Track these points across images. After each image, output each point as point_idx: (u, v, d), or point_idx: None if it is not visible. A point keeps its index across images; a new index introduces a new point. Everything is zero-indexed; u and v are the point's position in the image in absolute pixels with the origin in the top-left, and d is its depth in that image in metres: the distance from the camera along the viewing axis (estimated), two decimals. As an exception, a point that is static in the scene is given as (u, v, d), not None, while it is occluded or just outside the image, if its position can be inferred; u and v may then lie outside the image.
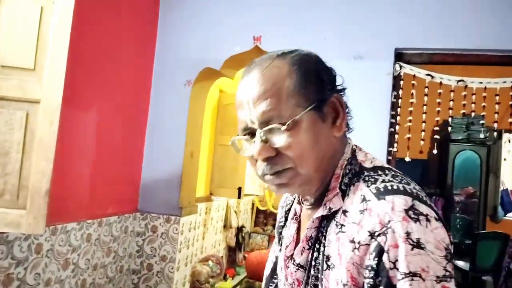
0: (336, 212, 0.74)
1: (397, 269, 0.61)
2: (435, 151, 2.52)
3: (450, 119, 2.58)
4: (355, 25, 2.68)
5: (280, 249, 0.90)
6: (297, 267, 0.78)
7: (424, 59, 2.58)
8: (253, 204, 5.94)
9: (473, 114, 3.80)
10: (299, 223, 0.86)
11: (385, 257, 0.62)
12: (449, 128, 5.11)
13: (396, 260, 0.61)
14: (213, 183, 4.40)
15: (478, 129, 4.85)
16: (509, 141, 4.78)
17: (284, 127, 0.70)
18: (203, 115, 3.26)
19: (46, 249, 2.18)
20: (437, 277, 0.60)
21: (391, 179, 0.71)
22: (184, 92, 2.95)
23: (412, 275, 0.60)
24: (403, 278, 0.60)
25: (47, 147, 1.67)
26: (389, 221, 0.64)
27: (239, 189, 4.34)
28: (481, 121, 4.68)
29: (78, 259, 2.44)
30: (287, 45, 2.74)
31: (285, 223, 0.92)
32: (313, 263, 0.75)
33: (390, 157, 2.57)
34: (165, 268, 2.96)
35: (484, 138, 4.77)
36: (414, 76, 2.55)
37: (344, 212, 0.72)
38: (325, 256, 0.72)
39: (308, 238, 0.77)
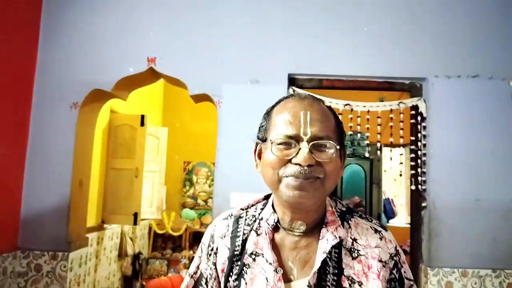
0: (341, 241, 0.91)
1: (407, 278, 0.93)
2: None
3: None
4: (251, 51, 2.74)
5: (237, 279, 0.92)
6: (308, 286, 0.87)
7: (314, 84, 2.73)
8: (150, 228, 5.69)
9: (357, 132, 4.14)
10: (274, 248, 0.93)
11: (402, 271, 0.92)
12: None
13: (405, 272, 0.93)
14: (106, 210, 4.12)
15: (362, 144, 5.29)
16: (390, 156, 5.27)
17: (337, 146, 0.87)
18: (92, 139, 3.03)
19: None
20: None
21: (371, 218, 0.99)
22: (70, 116, 2.71)
23: (413, 281, 0.95)
24: (410, 283, 0.93)
25: None
26: (395, 246, 0.93)
27: (135, 215, 4.13)
28: (364, 138, 5.11)
29: None
30: (184, 67, 2.71)
31: (241, 252, 0.94)
32: (323, 283, 0.87)
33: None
34: (52, 310, 2.66)
35: (367, 152, 5.19)
36: (306, 99, 2.67)
37: (354, 240, 0.92)
38: (344, 277, 0.88)
39: (322, 261, 0.88)
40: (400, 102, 2.69)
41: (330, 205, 0.96)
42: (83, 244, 2.94)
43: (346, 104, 2.68)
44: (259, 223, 0.97)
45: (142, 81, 2.90)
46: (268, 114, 0.94)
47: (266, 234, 0.93)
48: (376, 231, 0.94)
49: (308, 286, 0.86)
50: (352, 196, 5.92)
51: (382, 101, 2.84)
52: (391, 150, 5.22)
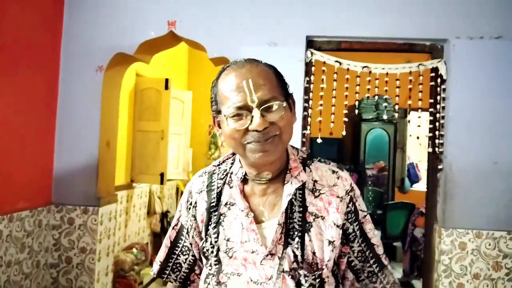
0: (304, 183, 1.03)
1: (361, 210, 1.05)
2: (343, 132, 2.69)
3: (357, 102, 2.75)
4: (269, 13, 2.74)
5: (215, 226, 1.04)
6: (279, 226, 0.98)
7: (333, 46, 2.72)
8: (177, 189, 5.92)
9: (381, 96, 4.10)
10: (245, 197, 1.04)
11: (356, 204, 1.04)
12: (360, 109, 5.44)
13: (359, 205, 1.05)
14: (134, 170, 4.32)
15: (386, 108, 5.23)
16: (416, 120, 5.20)
17: (284, 104, 0.94)
18: (118, 102, 3.16)
19: None
20: None
21: (329, 161, 1.10)
22: (96, 79, 2.83)
23: (366, 212, 1.07)
24: (364, 213, 1.06)
25: None
26: (350, 183, 1.05)
27: (162, 175, 4.31)
28: (389, 101, 5.04)
29: (-12, 257, 2.30)
30: (203, 30, 2.75)
31: (217, 203, 1.06)
32: (290, 221, 0.99)
33: (304, 139, 2.71)
34: (85, 260, 2.88)
35: (391, 116, 5.15)
36: (324, 62, 2.69)
37: (315, 181, 1.04)
38: (308, 213, 1.00)
39: (288, 202, 1.00)
40: (420, 64, 2.66)
41: (292, 153, 1.06)
42: (112, 200, 3.12)
43: (365, 67, 2.67)
44: (230, 177, 1.08)
45: (164, 45, 2.97)
46: (214, 87, 1.01)
47: (236, 186, 1.04)
48: (333, 172, 1.06)
49: (278, 224, 0.98)
50: (377, 160, 5.93)
51: (409, 63, 2.80)
52: (419, 116, 5.15)
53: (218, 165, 1.13)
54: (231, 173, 1.08)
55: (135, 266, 4.08)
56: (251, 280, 0.98)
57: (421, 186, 6.15)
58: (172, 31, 2.77)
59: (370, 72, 2.68)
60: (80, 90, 2.86)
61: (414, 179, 6.05)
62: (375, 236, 1.07)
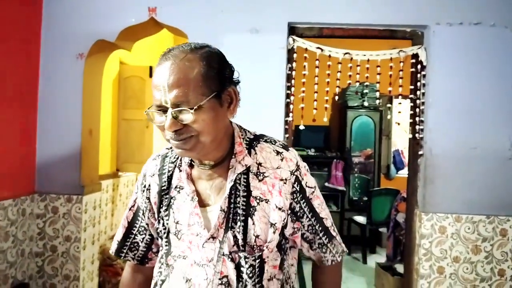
0: (248, 167, 1.03)
1: (308, 187, 1.07)
2: (325, 119, 2.71)
3: (342, 90, 2.76)
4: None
5: (166, 209, 1.07)
6: (221, 211, 1.00)
7: (315, 33, 2.73)
8: (164, 177, 5.92)
9: (365, 84, 4.12)
10: (192, 181, 1.07)
11: (302, 182, 1.06)
12: (346, 96, 5.45)
13: (306, 182, 1.07)
14: (119, 159, 4.30)
15: (371, 96, 5.26)
16: (399, 105, 5.25)
17: (191, 111, 0.91)
18: (100, 90, 3.14)
19: None
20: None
21: (276, 140, 1.10)
22: (76, 66, 2.80)
23: (314, 187, 1.09)
24: (312, 189, 1.08)
25: None
26: (296, 162, 1.06)
27: (147, 163, 4.29)
28: (376, 89, 5.07)
29: (-31, 247, 2.29)
30: (184, 17, 2.74)
31: (168, 187, 1.09)
32: (233, 205, 1.01)
33: (287, 126, 2.72)
34: (70, 248, 2.89)
35: (376, 104, 5.18)
36: (306, 49, 2.69)
37: (259, 164, 1.04)
38: (253, 197, 1.02)
39: (231, 187, 1.02)
40: (400, 51, 2.68)
41: (238, 136, 1.07)
42: (96, 189, 3.12)
43: (346, 53, 2.68)
44: (180, 161, 1.10)
45: (145, 32, 2.94)
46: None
47: (184, 171, 1.07)
48: (278, 153, 1.07)
49: (220, 210, 1.01)
50: (363, 148, 5.97)
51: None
52: (399, 103, 5.19)
53: (171, 148, 1.13)
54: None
55: (122, 254, 4.09)
56: (195, 262, 1.02)
57: (406, 172, 6.25)
58: (153, 18, 2.74)
59: (351, 58, 2.69)
60: (61, 78, 2.84)
61: (400, 165, 6.12)
62: (323, 210, 1.12)
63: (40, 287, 2.88)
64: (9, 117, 2.62)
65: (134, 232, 1.17)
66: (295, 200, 1.05)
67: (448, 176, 2.68)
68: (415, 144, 2.77)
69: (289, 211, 1.05)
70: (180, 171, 1.09)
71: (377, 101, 2.90)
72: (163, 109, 0.94)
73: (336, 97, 2.76)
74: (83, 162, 2.90)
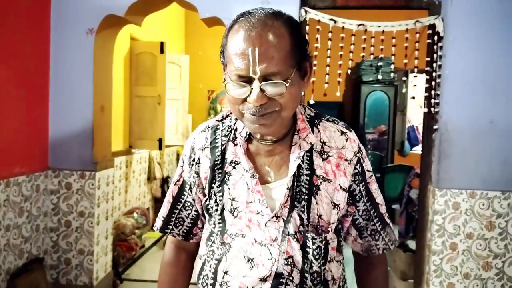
0: (311, 145, 0.99)
1: (368, 170, 1.04)
2: (338, 93, 2.65)
3: (350, 62, 2.70)
4: (260, -31, 2.66)
5: (220, 185, 1.02)
6: (287, 190, 0.96)
7: (328, 4, 2.65)
8: (177, 155, 5.95)
9: (382, 56, 4.02)
10: (250, 157, 1.01)
11: (363, 165, 1.02)
12: (360, 71, 5.35)
13: (366, 165, 1.03)
14: (132, 136, 4.32)
15: (385, 70, 5.14)
16: (414, 78, 5.13)
17: (286, 84, 0.85)
18: (111, 65, 3.12)
19: None
20: None
21: (337, 120, 1.06)
22: (87, 42, 2.79)
23: (372, 172, 1.06)
24: (370, 173, 1.05)
25: None
26: (358, 144, 1.02)
27: (160, 140, 4.32)
28: (391, 63, 4.95)
29: (-14, 222, 2.34)
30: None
31: (221, 161, 1.02)
32: (297, 184, 0.97)
33: (298, 101, 2.67)
34: (84, 223, 2.94)
35: (391, 79, 5.07)
36: (318, 21, 2.62)
37: (323, 143, 1.00)
38: (316, 176, 0.98)
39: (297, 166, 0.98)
40: (417, 21, 2.58)
41: (300, 113, 1.01)
42: (109, 165, 3.15)
43: (360, 24, 2.60)
44: (234, 134, 1.03)
45: (155, 5, 2.90)
46: (225, 37, 0.92)
47: (241, 145, 1.00)
48: (342, 133, 1.02)
49: (287, 189, 0.96)
50: (377, 124, 5.89)
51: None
52: (415, 76, 5.06)
53: (222, 119, 1.07)
54: (235, 129, 1.03)
55: (136, 230, 4.15)
56: (256, 241, 0.97)
57: (420, 149, 6.16)
58: (163, -9, 2.70)
59: (365, 30, 2.61)
60: (71, 54, 2.83)
61: (414, 142, 6.02)
62: (379, 195, 1.07)
63: (55, 261, 2.94)
64: (21, 94, 2.63)
65: (179, 207, 1.11)
66: (355, 182, 1.01)
67: (463, 151, 2.62)
68: (430, 118, 2.70)
69: (347, 193, 1.01)
70: (235, 145, 1.02)
71: (392, 75, 2.82)
72: (246, 80, 0.86)
73: (349, 71, 2.70)
74: (96, 139, 2.91)
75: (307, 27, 2.66)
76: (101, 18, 2.76)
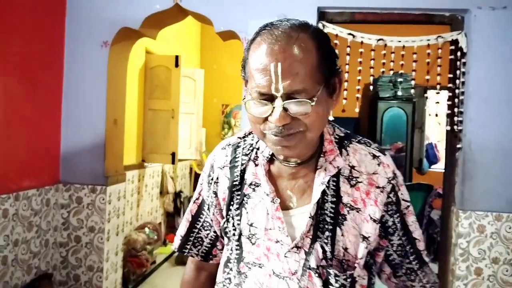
0: (339, 169, 0.90)
1: (404, 200, 0.93)
2: (357, 109, 2.57)
3: (373, 79, 2.62)
4: (277, -17, 2.61)
5: (238, 208, 0.94)
6: (310, 218, 0.88)
7: (346, 18, 2.59)
8: (191, 169, 5.90)
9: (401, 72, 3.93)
10: (271, 179, 0.93)
11: (399, 194, 0.92)
12: (377, 87, 5.26)
13: (402, 194, 0.93)
14: (145, 149, 4.28)
15: (404, 86, 5.04)
16: (437, 94, 5.02)
17: (311, 103, 0.78)
18: (125, 78, 3.09)
19: (-49, 229, 2.02)
20: None
21: (370, 141, 0.97)
22: (101, 55, 2.76)
23: (410, 202, 0.95)
24: (407, 204, 0.94)
25: None
26: (393, 170, 0.92)
27: (173, 154, 4.27)
28: (406, 78, 4.85)
29: (-5, 236, 2.29)
30: (210, 3, 2.64)
31: (240, 182, 0.96)
32: (320, 212, 0.88)
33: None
34: (94, 239, 2.87)
35: (410, 95, 4.97)
36: (336, 35, 2.55)
37: (352, 167, 0.91)
38: (343, 204, 0.89)
39: (321, 192, 0.89)
40: (439, 36, 2.50)
41: (328, 133, 0.93)
42: (120, 179, 3.09)
43: (380, 39, 2.52)
44: (256, 153, 0.96)
45: (170, 19, 2.87)
46: (247, 51, 0.85)
47: (262, 166, 0.93)
48: (374, 156, 0.92)
49: (309, 217, 0.87)
50: (395, 140, 5.77)
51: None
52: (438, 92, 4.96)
53: (244, 137, 1.01)
54: (257, 148, 0.96)
55: (147, 245, 4.08)
56: (273, 273, 0.89)
57: (439, 167, 5.99)
58: (178, 4, 2.66)
59: (385, 45, 2.54)
60: (85, 66, 2.81)
61: (433, 159, 5.88)
62: (417, 229, 0.96)
63: (64, 277, 2.88)
64: (33, 107, 2.60)
65: (198, 227, 1.06)
66: (388, 213, 0.91)
67: (488, 171, 2.50)
68: (453, 137, 2.59)
69: (379, 224, 0.90)
70: (256, 165, 0.95)
71: (412, 91, 2.73)
72: (268, 98, 0.79)
73: (371, 87, 2.62)
74: (107, 152, 2.87)
75: (324, 42, 2.59)
76: (116, 30, 2.74)
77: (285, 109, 0.78)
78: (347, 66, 2.55)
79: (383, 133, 5.57)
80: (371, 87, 2.64)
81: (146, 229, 4.22)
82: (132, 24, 2.72)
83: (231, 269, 0.95)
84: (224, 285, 0.97)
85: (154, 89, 4.17)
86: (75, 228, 2.87)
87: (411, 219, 0.94)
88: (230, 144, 1.01)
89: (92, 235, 2.87)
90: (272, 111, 0.79)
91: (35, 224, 2.64)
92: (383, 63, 2.55)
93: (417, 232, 0.96)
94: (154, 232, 4.35)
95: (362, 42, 2.54)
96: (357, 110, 2.58)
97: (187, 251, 1.07)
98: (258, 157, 0.95)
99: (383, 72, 2.59)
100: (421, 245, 0.96)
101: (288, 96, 0.77)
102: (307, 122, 0.80)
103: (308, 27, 0.82)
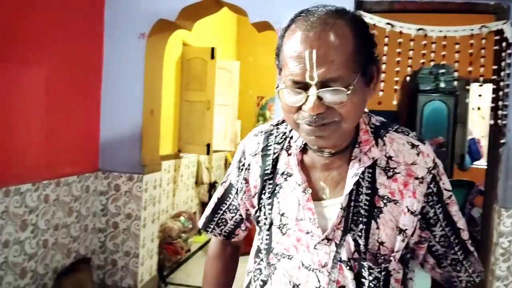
0: (375, 160, 0.87)
1: (446, 189, 0.89)
2: (394, 102, 2.50)
3: (413, 71, 2.54)
4: (314, -28, 2.56)
5: (270, 197, 0.94)
6: (341, 210, 0.86)
7: (384, 7, 2.51)
8: (226, 160, 5.95)
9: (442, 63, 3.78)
10: (304, 169, 0.91)
11: (440, 183, 0.88)
12: (418, 79, 5.10)
13: (444, 183, 0.89)
14: (181, 140, 4.35)
15: (446, 79, 4.85)
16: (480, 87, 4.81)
17: (347, 91, 0.75)
18: (161, 70, 3.15)
19: (0, 211, 2.14)
20: None
21: (408, 130, 0.92)
22: (138, 46, 2.82)
23: (451, 191, 0.90)
24: (449, 193, 0.89)
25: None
26: (433, 159, 0.87)
27: (208, 145, 4.31)
28: (448, 70, 4.66)
29: (37, 220, 2.40)
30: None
31: (272, 171, 0.95)
32: (354, 204, 0.86)
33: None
34: (131, 225, 2.96)
35: (452, 88, 4.78)
36: (374, 25, 2.48)
37: (389, 158, 0.87)
38: (378, 196, 0.86)
39: (354, 184, 0.86)
40: (483, 26, 2.38)
41: (364, 123, 0.90)
42: (156, 168, 3.16)
43: (420, 29, 2.44)
44: (289, 142, 0.94)
45: (205, 10, 2.89)
46: (281, 38, 0.83)
47: (295, 156, 0.91)
48: (413, 146, 0.88)
49: (341, 208, 0.85)
50: (435, 135, 5.58)
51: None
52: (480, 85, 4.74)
53: (277, 125, 0.99)
54: (291, 137, 0.94)
55: (182, 233, 4.16)
56: (303, 265, 0.88)
57: (482, 163, 5.75)
58: (214, -5, 2.68)
59: (425, 35, 2.44)
60: (123, 58, 2.88)
61: (476, 155, 5.64)
62: (460, 219, 0.92)
63: (102, 262, 2.99)
64: (75, 97, 2.70)
65: (223, 208, 1.07)
66: (429, 204, 0.87)
67: (534, 168, 2.37)
68: (496, 131, 2.48)
69: (419, 216, 0.87)
70: (289, 155, 0.93)
71: (455, 83, 2.62)
72: (302, 86, 0.77)
73: (408, 78, 2.54)
74: (144, 142, 2.94)
75: (362, 32, 2.53)
76: (153, 22, 2.79)
77: (319, 98, 0.76)
78: (385, 57, 2.50)
79: (423, 127, 5.39)
80: (407, 78, 2.55)
81: (182, 218, 4.30)
82: (169, 16, 2.76)
83: (262, 260, 0.95)
84: (254, 275, 0.98)
85: (190, 81, 4.22)
86: (113, 215, 2.97)
87: (454, 209, 0.90)
88: (262, 131, 1.00)
89: (129, 221, 2.96)
90: (306, 100, 0.77)
91: (75, 210, 2.75)
92: (423, 54, 2.47)
93: (461, 222, 0.92)
94: (189, 221, 4.42)
95: (401, 32, 2.46)
96: (394, 102, 2.51)
97: (210, 230, 1.09)
98: (291, 146, 0.93)
99: (423, 63, 2.51)
100: (465, 235, 0.92)
101: (323, 84, 0.75)
102: (342, 111, 0.77)
103: (345, 13, 0.78)
